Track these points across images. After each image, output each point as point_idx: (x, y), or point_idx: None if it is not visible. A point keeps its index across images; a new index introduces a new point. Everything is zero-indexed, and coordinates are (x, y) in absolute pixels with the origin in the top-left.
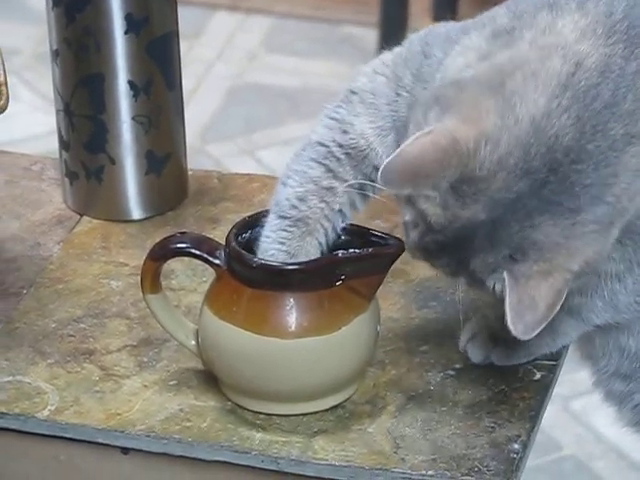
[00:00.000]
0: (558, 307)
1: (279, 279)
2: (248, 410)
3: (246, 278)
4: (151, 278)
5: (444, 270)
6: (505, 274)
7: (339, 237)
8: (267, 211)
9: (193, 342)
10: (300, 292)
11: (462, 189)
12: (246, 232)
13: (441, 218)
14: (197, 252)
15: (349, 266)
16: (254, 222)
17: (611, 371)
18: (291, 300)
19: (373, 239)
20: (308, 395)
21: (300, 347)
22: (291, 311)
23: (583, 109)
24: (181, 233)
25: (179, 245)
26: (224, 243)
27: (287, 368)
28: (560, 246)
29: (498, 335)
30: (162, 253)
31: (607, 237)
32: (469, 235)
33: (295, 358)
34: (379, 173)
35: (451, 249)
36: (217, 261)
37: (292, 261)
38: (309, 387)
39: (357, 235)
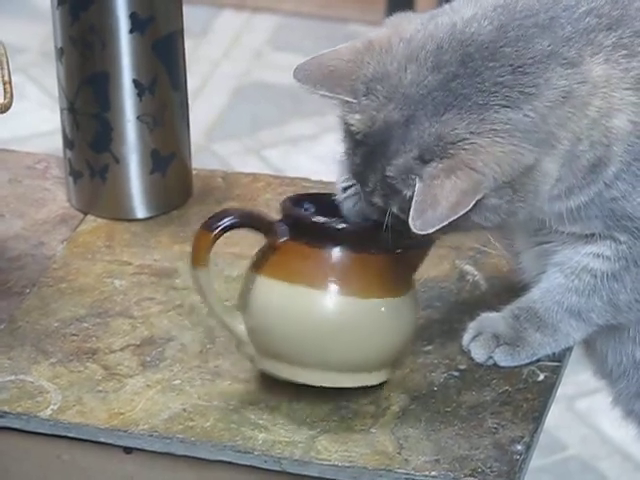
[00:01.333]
0: (463, 209)
1: (356, 240)
2: (298, 383)
3: (319, 241)
4: (205, 251)
5: (371, 195)
6: (417, 179)
7: None
8: (302, 195)
9: (241, 326)
10: (380, 253)
11: (376, 88)
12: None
13: (360, 124)
14: (257, 225)
15: (407, 236)
16: (295, 203)
17: (632, 392)
18: (370, 262)
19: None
20: (374, 362)
21: (380, 307)
22: (372, 272)
23: (510, 21)
24: (234, 208)
25: (235, 218)
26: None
27: (367, 329)
28: (464, 141)
29: (501, 335)
30: (220, 226)
31: (526, 151)
32: (386, 139)
33: (375, 318)
34: (293, 72)
35: (373, 160)
36: (278, 233)
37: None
38: (380, 352)
39: None
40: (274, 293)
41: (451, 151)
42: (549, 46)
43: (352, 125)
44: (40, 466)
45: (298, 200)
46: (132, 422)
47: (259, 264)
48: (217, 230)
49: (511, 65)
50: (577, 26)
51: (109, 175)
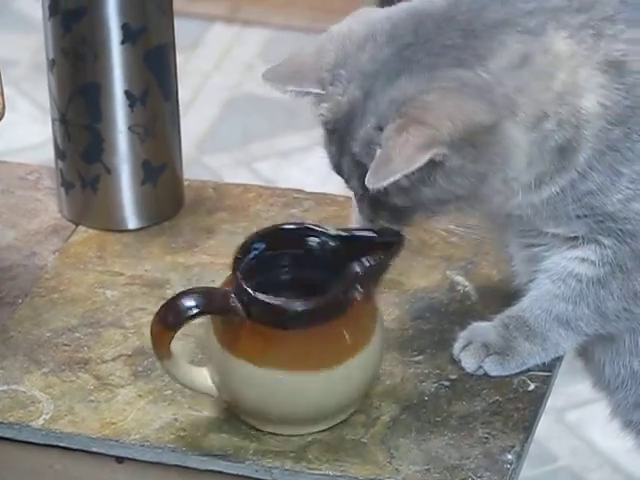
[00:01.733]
0: (417, 164)
1: (314, 314)
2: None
3: (276, 322)
4: (167, 345)
5: (349, 182)
6: (377, 148)
7: (327, 244)
8: (250, 238)
9: (210, 383)
10: (336, 319)
11: (340, 74)
12: (247, 256)
13: (328, 112)
14: (211, 310)
15: (368, 276)
16: (244, 254)
17: (631, 402)
18: (333, 329)
19: (363, 239)
20: (351, 405)
21: (355, 365)
22: (336, 338)
23: None
24: (186, 292)
25: (192, 309)
26: (226, 253)
27: (344, 387)
28: (414, 99)
29: (491, 344)
30: (176, 320)
31: (480, 109)
32: (350, 119)
33: (350, 378)
34: (263, 73)
35: (342, 144)
36: (236, 312)
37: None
38: (356, 397)
39: (345, 239)
40: (240, 373)
41: (402, 110)
42: (505, 15)
43: (322, 116)
44: (32, 475)
45: (248, 246)
46: (124, 432)
47: (223, 335)
48: (174, 327)
49: (462, 30)
50: (543, 4)
51: (100, 186)
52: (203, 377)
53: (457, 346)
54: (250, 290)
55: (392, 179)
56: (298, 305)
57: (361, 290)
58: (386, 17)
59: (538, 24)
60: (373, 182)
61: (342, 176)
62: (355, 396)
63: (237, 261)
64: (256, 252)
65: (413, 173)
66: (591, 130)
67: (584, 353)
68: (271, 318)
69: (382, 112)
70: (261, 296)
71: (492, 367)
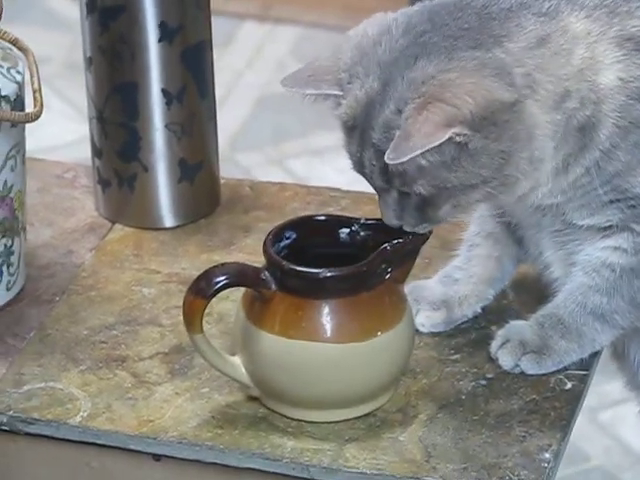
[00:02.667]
0: (437, 140)
1: (342, 285)
2: (309, 422)
3: (306, 292)
4: (199, 318)
5: (373, 179)
6: (396, 131)
7: (358, 234)
8: (281, 225)
9: (243, 371)
10: (366, 292)
11: (357, 71)
12: (278, 244)
13: (347, 109)
14: (243, 281)
15: (394, 257)
16: (274, 240)
17: None
18: (359, 303)
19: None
20: (380, 391)
21: (378, 345)
22: (365, 314)
23: None
24: (220, 265)
25: (223, 279)
26: (263, 250)
27: (372, 367)
28: (433, 78)
29: (528, 343)
30: (208, 290)
31: (500, 87)
32: (369, 111)
33: (378, 355)
34: (281, 81)
35: (363, 138)
36: (267, 285)
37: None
38: (385, 382)
39: (376, 228)
40: (271, 348)
41: (422, 90)
42: (521, 0)
43: (342, 115)
44: (69, 473)
45: (279, 232)
46: (161, 429)
47: (253, 313)
48: (206, 296)
49: (478, 14)
50: None
51: (137, 184)
52: (235, 364)
53: (494, 344)
54: (282, 261)
55: (412, 155)
56: (329, 273)
57: (390, 270)
58: (401, 13)
59: (552, 7)
60: (393, 157)
61: (364, 175)
62: (384, 377)
63: (268, 242)
64: (287, 241)
65: (435, 152)
66: (611, 105)
67: (618, 351)
68: (303, 287)
69: (400, 95)
70: (292, 265)
71: (529, 366)
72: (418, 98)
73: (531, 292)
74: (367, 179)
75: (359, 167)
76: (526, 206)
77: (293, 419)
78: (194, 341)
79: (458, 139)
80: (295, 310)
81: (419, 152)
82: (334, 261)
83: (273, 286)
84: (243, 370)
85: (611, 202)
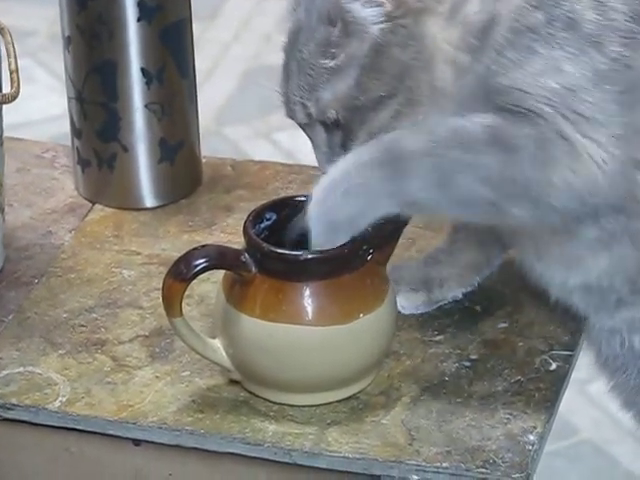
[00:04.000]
0: None
1: (323, 267)
2: (289, 405)
3: (288, 275)
4: (178, 301)
5: (304, 114)
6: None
7: None
8: (262, 207)
9: (222, 354)
10: (347, 274)
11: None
12: (258, 225)
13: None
14: (223, 264)
15: (376, 238)
16: (255, 221)
17: (631, 385)
18: (341, 285)
19: None
20: (361, 374)
21: (360, 327)
22: (344, 296)
23: None
24: (200, 247)
25: (202, 261)
26: (243, 232)
27: (353, 349)
28: None
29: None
30: (188, 273)
31: None
32: (296, 36)
33: (357, 338)
34: None
35: (290, 64)
36: (247, 267)
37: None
38: (366, 364)
39: None
40: (252, 330)
41: None
42: None
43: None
44: (49, 458)
45: (260, 213)
46: (141, 414)
47: (233, 296)
48: (185, 278)
49: None
50: None
51: (117, 164)
52: (215, 347)
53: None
54: (262, 243)
55: None
56: (310, 255)
57: (371, 251)
58: None
59: None
60: None
61: (292, 113)
62: (367, 360)
63: (248, 224)
64: (268, 222)
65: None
66: (508, 6)
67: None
68: (284, 270)
69: (327, 9)
70: (273, 248)
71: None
72: None
73: (514, 271)
74: (293, 117)
75: (286, 105)
76: None
77: (275, 403)
78: (173, 325)
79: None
80: (276, 293)
81: None
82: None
83: (253, 268)
84: (223, 353)
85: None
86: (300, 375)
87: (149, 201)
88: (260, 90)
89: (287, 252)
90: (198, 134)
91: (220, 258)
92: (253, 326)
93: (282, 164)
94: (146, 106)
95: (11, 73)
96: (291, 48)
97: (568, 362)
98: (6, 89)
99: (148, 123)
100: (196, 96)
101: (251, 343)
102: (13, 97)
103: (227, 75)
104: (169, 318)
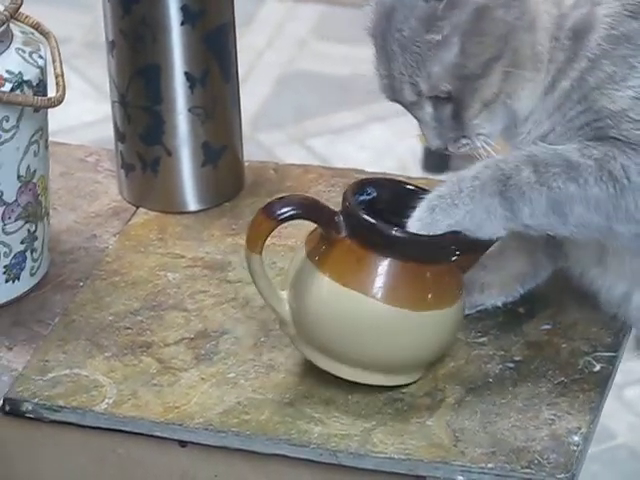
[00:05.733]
0: None
1: (411, 249)
2: (335, 376)
3: (375, 246)
4: (263, 238)
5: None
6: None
7: None
8: (366, 180)
9: (287, 307)
10: (431, 264)
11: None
12: (358, 195)
13: (373, 17)
14: (317, 218)
15: (466, 242)
16: (357, 190)
17: None
18: (423, 272)
19: None
20: (408, 366)
21: (425, 320)
22: (422, 285)
23: None
24: (296, 195)
25: (297, 211)
26: (343, 196)
27: (409, 338)
28: None
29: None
30: (282, 214)
31: None
32: (391, 18)
33: (419, 330)
34: None
35: (388, 41)
36: (338, 228)
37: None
38: (411, 359)
39: None
40: (322, 289)
41: None
42: None
43: (367, 26)
44: (95, 460)
45: (362, 185)
46: (187, 416)
47: (314, 252)
48: (277, 218)
49: None
50: None
51: (161, 168)
52: (281, 298)
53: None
54: (359, 209)
55: None
56: (400, 233)
57: (457, 252)
58: None
59: None
60: None
61: (395, 92)
62: (421, 353)
63: (349, 191)
64: (367, 197)
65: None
66: (606, 10)
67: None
68: (370, 239)
69: None
70: (367, 216)
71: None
72: None
73: (556, 272)
74: (399, 98)
75: (389, 87)
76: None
77: (319, 368)
78: (250, 260)
79: None
80: (357, 260)
81: None
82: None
83: (343, 231)
84: (287, 306)
85: (582, 128)
86: (353, 347)
87: (192, 205)
88: (295, 96)
89: (378, 223)
90: (241, 138)
91: (314, 211)
92: (326, 285)
93: (324, 167)
94: (190, 110)
95: (56, 77)
96: (386, 29)
97: (612, 363)
98: (51, 93)
99: (192, 127)
100: (239, 100)
101: (318, 301)
102: (59, 101)
103: (262, 81)
104: (247, 252)
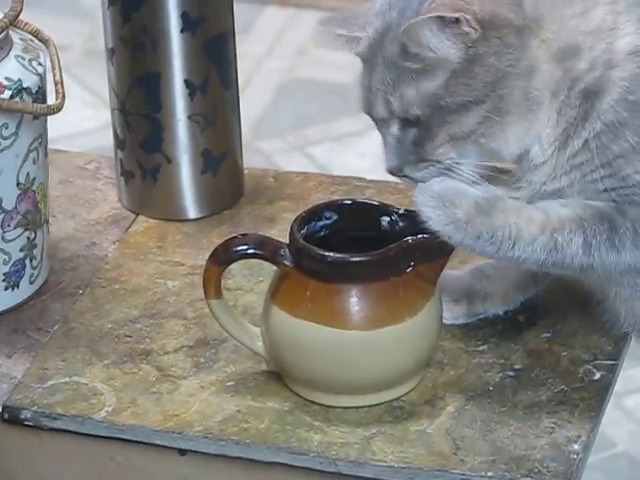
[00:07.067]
0: (448, 13)
1: (352, 271)
2: (318, 404)
3: (318, 273)
4: (215, 283)
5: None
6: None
7: (397, 224)
8: (323, 205)
9: (260, 343)
10: (375, 282)
11: (381, 10)
12: (304, 228)
13: (366, 41)
14: (261, 253)
15: (418, 251)
16: (311, 217)
17: None
18: (368, 291)
19: None
20: (381, 385)
21: (380, 337)
22: (368, 302)
23: None
24: (242, 235)
25: (242, 248)
26: (286, 241)
27: (366, 359)
28: None
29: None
30: (226, 257)
31: (510, 9)
32: (385, 34)
33: (375, 348)
34: (319, 21)
35: (374, 60)
36: (284, 260)
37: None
38: (384, 376)
39: (416, 220)
40: (277, 321)
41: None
42: None
43: (358, 52)
44: (94, 468)
45: (318, 211)
46: (186, 424)
47: (272, 289)
48: (223, 262)
49: None
50: None
51: (160, 175)
52: (253, 335)
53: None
54: (300, 238)
55: (423, 17)
56: (339, 256)
57: (412, 264)
58: None
59: None
60: (406, 27)
61: (369, 105)
62: (385, 371)
63: (298, 220)
64: (327, 221)
65: (440, 40)
66: (622, 73)
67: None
68: (315, 268)
69: (414, 13)
70: (306, 244)
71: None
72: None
73: (557, 281)
74: (372, 112)
75: (365, 99)
76: (533, 191)
77: (302, 398)
78: (210, 307)
79: (467, 31)
80: (304, 290)
81: (430, 15)
82: (374, 248)
83: (290, 262)
84: (260, 343)
85: (605, 191)
86: (321, 374)
87: (192, 212)
88: (295, 104)
89: (315, 249)
90: (241, 145)
91: (259, 247)
92: (281, 319)
93: (324, 175)
94: (189, 117)
95: (56, 85)
96: (377, 44)
97: (612, 371)
98: (50, 100)
99: (191, 134)
100: (239, 108)
101: (279, 335)
102: (58, 108)
103: (262, 89)
104: (207, 300)
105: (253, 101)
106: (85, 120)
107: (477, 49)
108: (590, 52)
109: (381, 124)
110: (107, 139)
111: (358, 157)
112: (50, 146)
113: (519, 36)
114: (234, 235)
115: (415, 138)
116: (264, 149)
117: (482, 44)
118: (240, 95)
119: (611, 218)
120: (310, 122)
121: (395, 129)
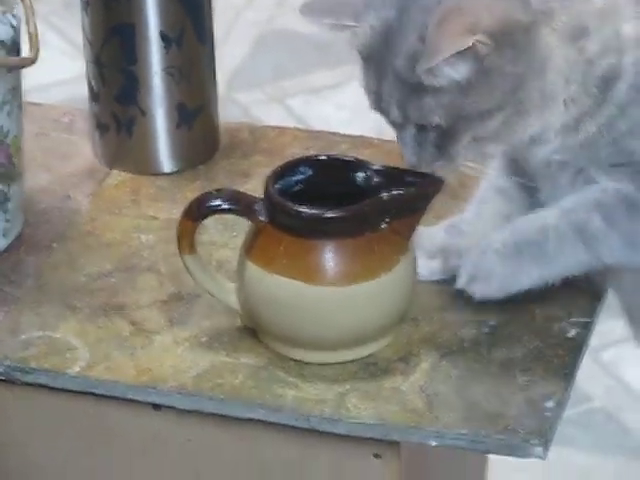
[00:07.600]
0: (461, 45)
1: (327, 227)
2: (291, 359)
3: (293, 229)
4: (189, 238)
5: (390, 110)
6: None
7: (372, 179)
8: (298, 160)
9: (234, 298)
10: (350, 238)
11: (374, 3)
12: (278, 183)
13: (362, 37)
14: (236, 208)
15: (393, 207)
16: (286, 172)
17: None
18: (342, 247)
19: (408, 179)
20: (356, 341)
21: (355, 292)
22: (343, 258)
23: None
24: (216, 190)
25: (217, 203)
26: (261, 196)
27: (342, 314)
28: None
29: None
30: (200, 212)
31: (519, 7)
32: (389, 38)
33: (350, 304)
34: (299, 9)
35: (382, 68)
36: (258, 216)
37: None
38: (360, 332)
39: (391, 176)
40: (251, 277)
41: (440, 7)
42: None
43: (359, 46)
44: (68, 423)
45: (293, 166)
46: (161, 379)
47: (246, 245)
48: (197, 218)
49: None
50: None
51: (135, 128)
52: (228, 290)
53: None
54: (274, 193)
55: (438, 58)
56: (313, 211)
57: (386, 219)
58: None
59: None
60: (423, 65)
61: (382, 110)
62: (357, 326)
63: (272, 175)
64: (302, 176)
65: (457, 63)
66: (630, 58)
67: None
68: (288, 223)
69: (421, 21)
70: (281, 199)
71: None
72: (437, 15)
73: None
74: (384, 114)
75: (377, 102)
76: (537, 160)
77: (277, 353)
78: (185, 262)
79: (480, 49)
80: (279, 245)
81: (445, 55)
82: (349, 203)
83: (265, 217)
84: (234, 298)
85: (612, 166)
86: (296, 330)
87: (167, 166)
88: (273, 55)
89: (290, 205)
90: (216, 99)
91: (233, 202)
92: (256, 274)
93: (300, 129)
94: (164, 70)
95: (30, 37)
96: (378, 44)
97: (587, 329)
98: (24, 53)
99: (167, 87)
100: (214, 63)
101: (254, 291)
102: (32, 61)
103: (240, 40)
104: (181, 256)
105: (232, 53)
106: (63, 70)
107: (492, 60)
108: (598, 33)
109: (396, 125)
110: (83, 89)
111: (336, 109)
112: (26, 96)
113: (529, 32)
114: (208, 190)
115: (436, 141)
116: (242, 101)
117: (496, 54)
118: (218, 47)
119: (629, 196)
120: (288, 74)
121: (413, 132)
